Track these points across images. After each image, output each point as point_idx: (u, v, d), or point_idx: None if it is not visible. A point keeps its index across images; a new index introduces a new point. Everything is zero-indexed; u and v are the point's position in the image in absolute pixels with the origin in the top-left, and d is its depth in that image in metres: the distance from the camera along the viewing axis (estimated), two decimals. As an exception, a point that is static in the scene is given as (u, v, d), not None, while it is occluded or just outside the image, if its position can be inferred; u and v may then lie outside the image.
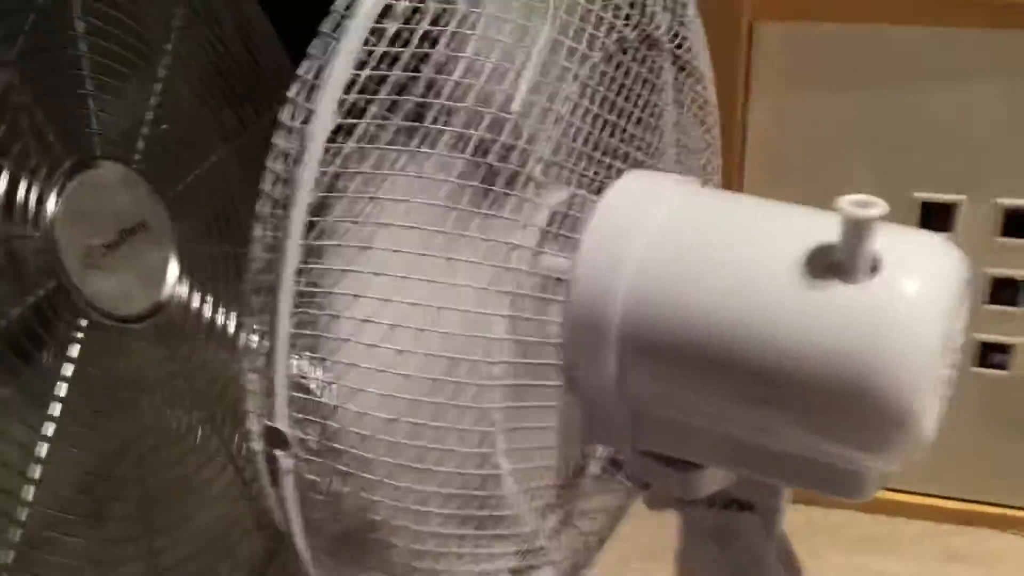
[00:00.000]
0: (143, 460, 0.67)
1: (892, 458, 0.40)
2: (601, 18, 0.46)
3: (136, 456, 0.67)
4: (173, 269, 0.71)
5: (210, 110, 0.77)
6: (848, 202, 0.38)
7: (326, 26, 0.38)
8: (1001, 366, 0.80)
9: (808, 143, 0.77)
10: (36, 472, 0.60)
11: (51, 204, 0.61)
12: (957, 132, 0.74)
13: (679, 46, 0.55)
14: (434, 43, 0.39)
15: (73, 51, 0.66)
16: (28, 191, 0.60)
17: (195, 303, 0.73)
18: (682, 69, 0.56)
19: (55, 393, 0.61)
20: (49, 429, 0.61)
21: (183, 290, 0.72)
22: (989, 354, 0.80)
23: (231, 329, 0.75)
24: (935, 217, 0.75)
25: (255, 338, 0.38)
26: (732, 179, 0.77)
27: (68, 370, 0.62)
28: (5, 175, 0.59)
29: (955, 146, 0.75)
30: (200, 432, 0.71)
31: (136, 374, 0.67)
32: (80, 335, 0.63)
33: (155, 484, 0.68)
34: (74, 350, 0.62)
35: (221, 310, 0.74)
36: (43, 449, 0.60)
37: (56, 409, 0.61)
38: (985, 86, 0.72)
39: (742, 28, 0.73)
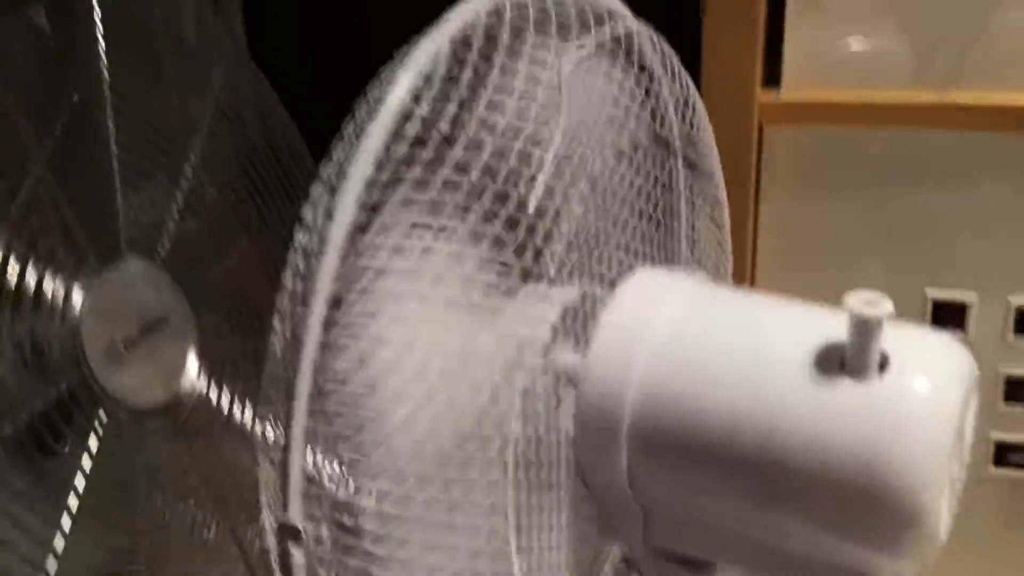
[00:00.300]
0: (156, 554, 0.67)
1: (904, 558, 0.40)
2: (613, 119, 0.47)
3: (150, 550, 0.67)
4: (193, 362, 0.72)
5: (233, 206, 0.79)
6: (856, 300, 0.39)
7: (349, 127, 0.40)
8: (1019, 465, 0.79)
9: (819, 243, 0.78)
10: (52, 566, 0.60)
11: (76, 299, 0.62)
12: (967, 232, 0.75)
13: (690, 147, 0.56)
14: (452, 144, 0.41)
15: (102, 150, 0.68)
16: (55, 286, 0.61)
17: (213, 396, 0.73)
18: (693, 169, 0.57)
19: (73, 485, 0.62)
20: (66, 522, 0.61)
21: (202, 383, 0.72)
22: (1007, 454, 0.79)
23: (248, 423, 0.75)
24: (947, 316, 0.76)
25: (271, 431, 0.39)
26: (744, 278, 0.78)
27: (86, 463, 0.62)
28: (33, 270, 0.60)
29: (966, 246, 0.75)
30: (213, 527, 0.71)
31: (152, 467, 0.67)
32: (99, 428, 0.63)
33: (168, 578, 0.68)
34: (93, 443, 0.63)
35: (238, 404, 0.75)
36: (59, 542, 0.60)
37: (73, 502, 0.61)
38: (994, 187, 0.74)
39: (752, 132, 0.75)
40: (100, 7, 0.70)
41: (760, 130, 0.75)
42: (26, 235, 0.60)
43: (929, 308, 0.76)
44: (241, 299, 0.77)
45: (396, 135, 0.39)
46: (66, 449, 0.61)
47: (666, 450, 0.43)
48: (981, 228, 0.74)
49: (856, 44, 0.73)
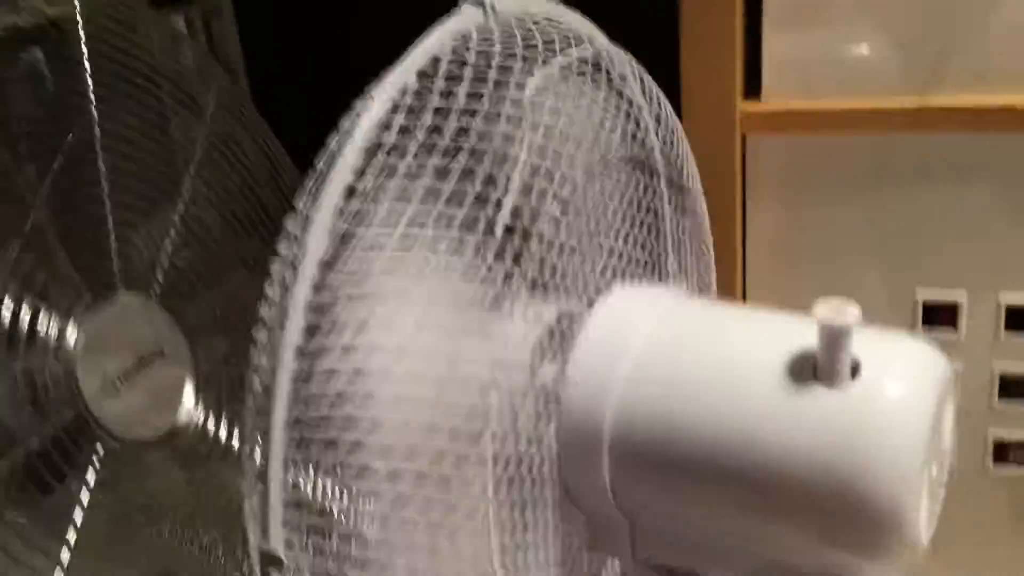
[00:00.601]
0: (159, 585, 0.68)
1: (886, 562, 0.40)
2: (585, 140, 0.48)
3: (152, 581, 0.67)
4: (189, 392, 0.73)
5: (230, 238, 0.80)
6: (824, 308, 0.39)
7: (322, 158, 0.41)
8: (1020, 462, 0.79)
9: (807, 250, 0.78)
10: (53, 601, 0.61)
11: (71, 336, 0.63)
12: (955, 232, 0.76)
13: (668, 164, 0.57)
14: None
15: (95, 189, 0.69)
16: (49, 323, 0.62)
17: (211, 425, 0.74)
18: (672, 186, 0.58)
19: (72, 519, 0.62)
20: (65, 556, 0.61)
21: (199, 413, 0.73)
22: (1007, 451, 0.79)
23: (245, 451, 0.76)
24: (938, 317, 0.76)
25: (254, 462, 0.39)
26: (734, 288, 0.78)
27: (85, 496, 0.63)
28: (28, 309, 0.61)
29: (954, 246, 0.76)
30: (214, 555, 0.72)
31: (152, 498, 0.68)
32: (97, 462, 0.64)
33: (170, 610, 0.68)
34: (91, 476, 0.63)
35: (236, 432, 0.76)
36: (60, 577, 0.61)
37: (72, 536, 0.62)
38: (978, 187, 0.74)
39: (735, 142, 0.75)
40: (91, 46, 0.71)
41: (743, 140, 0.76)
42: (20, 273, 0.61)
43: (920, 309, 0.76)
44: (239, 328, 0.78)
45: (366, 164, 0.40)
46: (65, 484, 0.62)
47: (647, 462, 0.43)
48: (968, 228, 0.75)
49: (836, 50, 0.74)
